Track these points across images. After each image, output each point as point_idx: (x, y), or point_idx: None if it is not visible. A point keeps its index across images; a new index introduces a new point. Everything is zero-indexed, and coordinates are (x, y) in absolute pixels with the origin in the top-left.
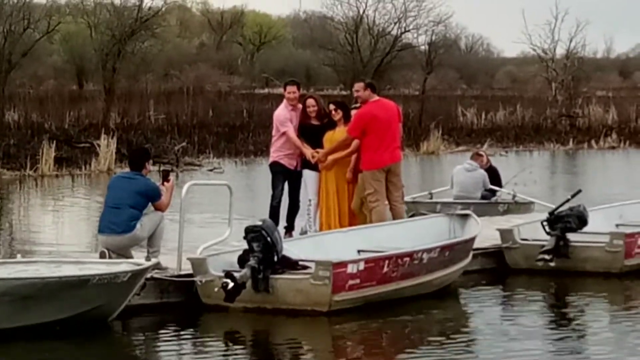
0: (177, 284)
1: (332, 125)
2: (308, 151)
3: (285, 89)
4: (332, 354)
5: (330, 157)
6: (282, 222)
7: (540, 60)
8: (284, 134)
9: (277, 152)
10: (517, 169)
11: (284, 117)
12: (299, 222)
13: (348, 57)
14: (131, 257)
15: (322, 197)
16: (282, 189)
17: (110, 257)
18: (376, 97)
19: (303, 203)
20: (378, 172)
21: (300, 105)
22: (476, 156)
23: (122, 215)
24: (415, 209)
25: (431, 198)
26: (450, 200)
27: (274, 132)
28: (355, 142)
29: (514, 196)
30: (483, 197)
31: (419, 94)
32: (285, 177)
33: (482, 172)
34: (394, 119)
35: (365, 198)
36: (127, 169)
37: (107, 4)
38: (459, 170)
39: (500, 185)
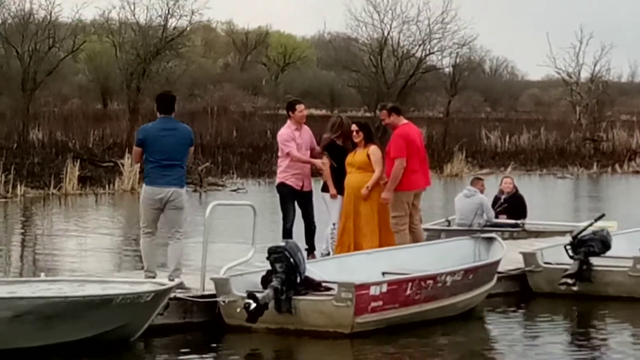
0: (200, 304)
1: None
2: (317, 161)
3: (294, 109)
4: None
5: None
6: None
7: (565, 83)
8: (288, 154)
9: (284, 172)
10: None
11: (287, 135)
12: (319, 245)
13: (372, 78)
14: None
15: (341, 218)
16: (294, 211)
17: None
18: (405, 120)
19: (326, 226)
20: (411, 195)
21: (306, 127)
22: (476, 180)
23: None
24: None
25: (449, 225)
26: (455, 228)
27: (279, 153)
28: (400, 162)
29: (523, 224)
30: (498, 225)
31: (443, 117)
32: (294, 198)
33: (481, 197)
34: (422, 142)
35: (391, 218)
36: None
37: (132, 23)
38: (459, 197)
39: (524, 215)
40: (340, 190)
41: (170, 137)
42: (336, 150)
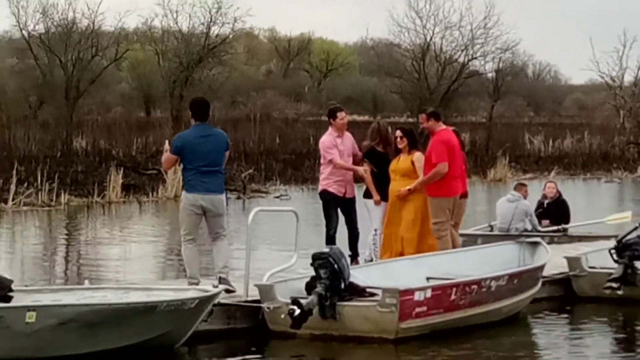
0: (243, 310)
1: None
2: (360, 169)
3: (335, 116)
4: None
5: (405, 188)
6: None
7: (608, 87)
8: (330, 161)
9: (326, 179)
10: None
11: (329, 143)
12: (362, 251)
13: (415, 84)
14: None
15: (385, 225)
16: (337, 217)
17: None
18: (443, 126)
19: (368, 232)
20: (452, 201)
21: (347, 133)
22: (519, 186)
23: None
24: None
25: (491, 230)
26: (495, 233)
27: (322, 160)
28: (444, 166)
29: (565, 229)
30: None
31: (486, 121)
32: (337, 205)
33: (525, 202)
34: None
35: (432, 224)
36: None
37: (175, 31)
38: (502, 202)
39: (568, 220)
40: (382, 196)
41: (208, 144)
42: (376, 157)
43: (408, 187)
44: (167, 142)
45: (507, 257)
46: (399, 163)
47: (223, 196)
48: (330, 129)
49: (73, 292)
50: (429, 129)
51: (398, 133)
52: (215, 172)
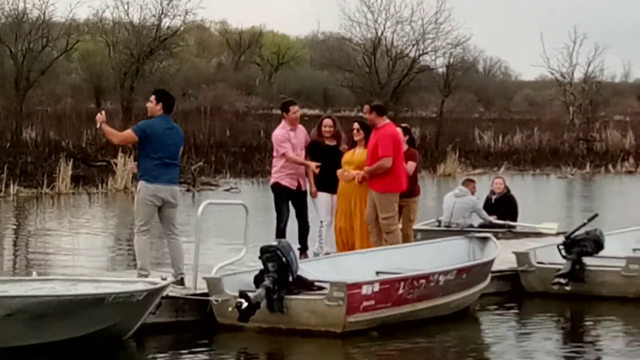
0: (192, 302)
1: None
2: (312, 164)
3: (288, 110)
4: None
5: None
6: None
7: (558, 84)
8: (283, 154)
9: (278, 172)
10: (532, 194)
11: (282, 136)
12: (312, 244)
13: (366, 78)
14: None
15: (337, 218)
16: (288, 210)
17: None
18: (387, 120)
19: (315, 225)
20: (398, 196)
21: (301, 126)
22: (467, 182)
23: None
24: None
25: (439, 225)
26: (434, 228)
27: (274, 153)
28: (388, 160)
29: (510, 226)
30: (482, 226)
31: (436, 117)
32: (289, 198)
33: (472, 198)
34: None
35: (382, 219)
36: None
37: (126, 23)
38: (449, 196)
39: (515, 217)
40: (328, 188)
41: (173, 136)
42: (317, 150)
43: (357, 172)
44: (102, 111)
45: (457, 252)
46: (354, 155)
47: (178, 188)
48: (283, 122)
49: (21, 284)
50: (371, 122)
51: (355, 125)
52: (175, 165)
